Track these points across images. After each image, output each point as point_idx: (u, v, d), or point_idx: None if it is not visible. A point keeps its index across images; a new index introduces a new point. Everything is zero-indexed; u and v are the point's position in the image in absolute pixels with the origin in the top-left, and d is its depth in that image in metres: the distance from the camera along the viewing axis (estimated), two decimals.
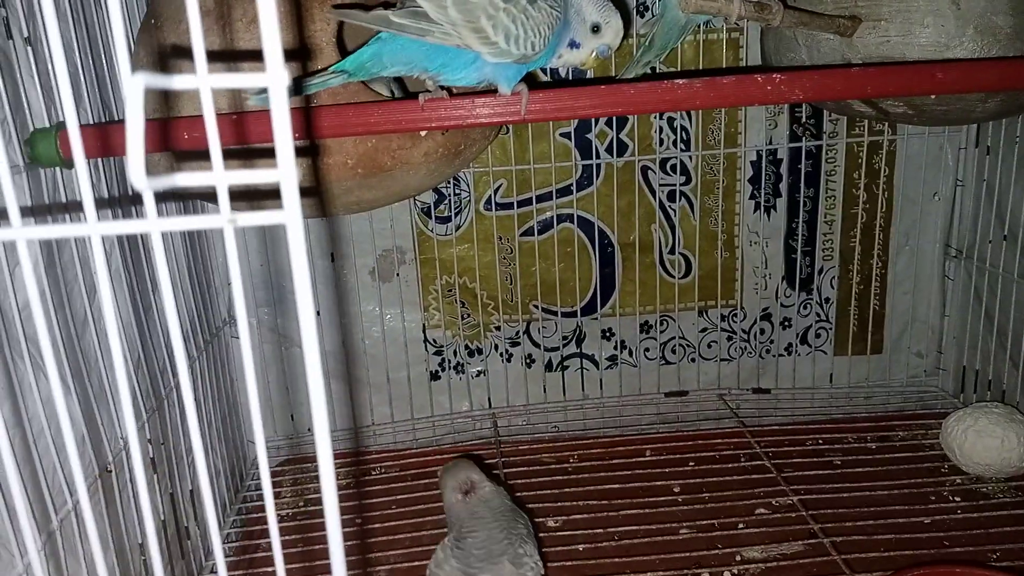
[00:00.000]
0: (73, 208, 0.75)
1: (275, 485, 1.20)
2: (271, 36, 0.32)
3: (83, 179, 0.35)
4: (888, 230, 1.30)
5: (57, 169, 0.74)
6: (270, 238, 1.21)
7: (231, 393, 1.20)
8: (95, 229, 0.35)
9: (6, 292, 0.65)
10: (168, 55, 0.77)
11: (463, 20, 0.65)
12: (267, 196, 0.78)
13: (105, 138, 0.69)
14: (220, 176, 0.34)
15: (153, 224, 0.35)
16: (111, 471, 0.78)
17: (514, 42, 0.68)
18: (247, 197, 0.79)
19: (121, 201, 0.86)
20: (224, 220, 0.34)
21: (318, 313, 1.25)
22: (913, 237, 1.30)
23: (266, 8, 0.31)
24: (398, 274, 1.27)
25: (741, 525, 1.05)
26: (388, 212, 1.22)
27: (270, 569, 0.97)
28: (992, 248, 1.21)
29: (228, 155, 0.69)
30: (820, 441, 1.23)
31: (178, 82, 0.33)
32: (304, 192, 0.77)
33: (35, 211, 0.71)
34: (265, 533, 1.06)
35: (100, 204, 0.82)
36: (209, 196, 0.85)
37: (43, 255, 0.70)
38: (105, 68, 0.86)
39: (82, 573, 0.69)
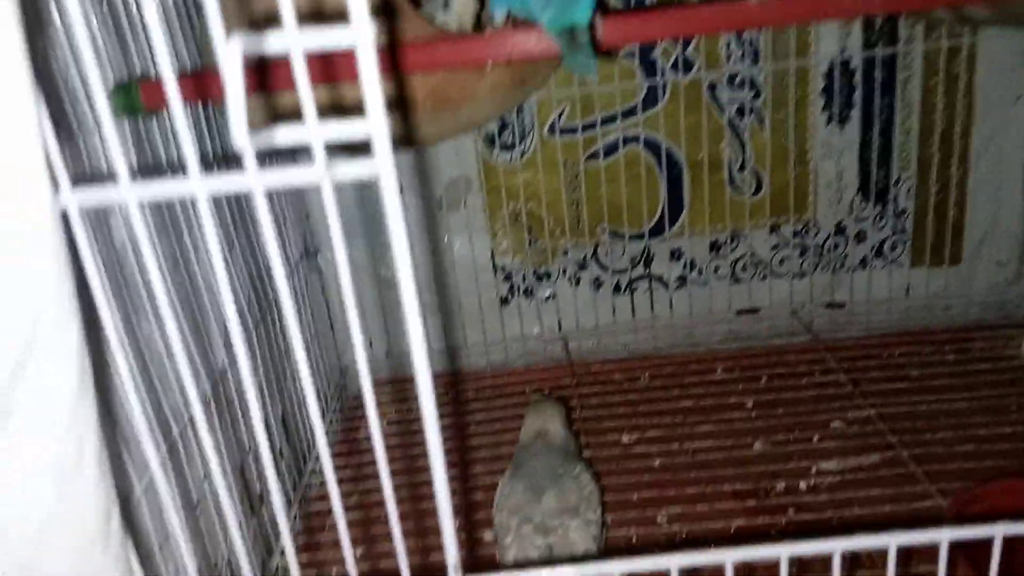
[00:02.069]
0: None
1: (360, 407, 1.26)
2: None
3: (184, 134, 0.36)
4: (968, 136, 1.25)
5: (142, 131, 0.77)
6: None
7: (322, 317, 1.26)
8: (201, 186, 0.37)
9: (126, 250, 0.69)
10: None
11: None
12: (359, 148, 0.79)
13: (193, 87, 0.72)
14: (315, 131, 0.35)
15: (255, 179, 0.37)
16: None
17: None
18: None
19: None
20: (321, 173, 0.36)
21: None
22: (995, 142, 1.25)
23: None
24: (465, 203, 1.29)
25: (816, 438, 1.06)
26: (452, 143, 1.23)
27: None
28: None
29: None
30: (897, 354, 1.22)
31: (271, 44, 0.35)
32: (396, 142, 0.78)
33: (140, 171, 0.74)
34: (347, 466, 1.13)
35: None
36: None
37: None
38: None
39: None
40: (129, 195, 0.38)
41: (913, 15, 1.13)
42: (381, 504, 0.43)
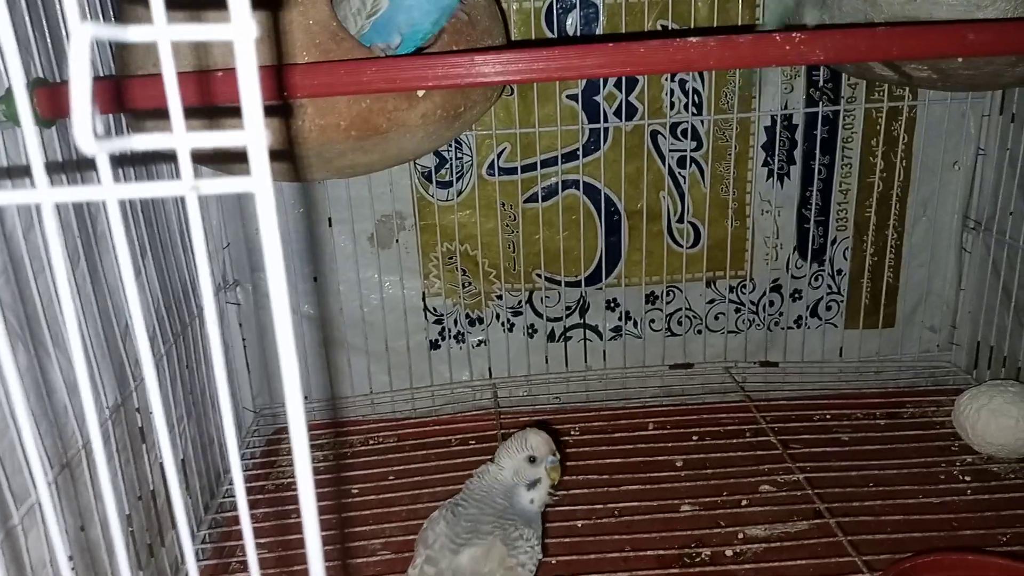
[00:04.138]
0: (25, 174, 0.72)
1: (271, 453, 1.19)
2: None
3: (30, 139, 0.31)
4: (905, 200, 1.25)
5: (17, 135, 0.70)
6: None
7: (230, 358, 1.18)
8: (46, 196, 0.32)
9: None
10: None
11: None
12: (241, 159, 0.74)
13: (63, 98, 0.65)
14: (181, 138, 0.30)
15: (108, 191, 0.31)
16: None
17: None
18: (219, 159, 0.75)
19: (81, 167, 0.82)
20: (186, 187, 0.31)
21: (315, 279, 1.22)
22: (931, 207, 1.26)
23: None
24: (397, 240, 1.24)
25: (745, 502, 1.02)
26: (387, 176, 1.18)
27: (257, 540, 0.95)
28: (1013, 220, 1.16)
29: (194, 114, 0.66)
30: (828, 416, 1.20)
31: (133, 33, 0.29)
32: (279, 156, 0.73)
33: None
34: (258, 504, 1.05)
35: (61, 169, 0.78)
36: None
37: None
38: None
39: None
40: None
41: (855, 75, 1.14)
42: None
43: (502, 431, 1.17)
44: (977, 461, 1.07)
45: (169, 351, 0.95)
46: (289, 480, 1.10)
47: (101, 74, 0.83)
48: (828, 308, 1.30)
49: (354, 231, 1.22)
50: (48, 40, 0.74)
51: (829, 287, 1.29)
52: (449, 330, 1.29)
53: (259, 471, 1.13)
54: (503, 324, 1.30)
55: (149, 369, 0.34)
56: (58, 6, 0.76)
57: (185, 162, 0.31)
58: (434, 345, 1.30)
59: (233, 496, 1.07)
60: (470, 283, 1.27)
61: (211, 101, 0.60)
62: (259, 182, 0.31)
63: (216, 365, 0.34)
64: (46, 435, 0.68)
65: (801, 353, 1.32)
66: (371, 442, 1.20)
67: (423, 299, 1.27)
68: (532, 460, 0.77)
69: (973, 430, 1.05)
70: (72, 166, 0.77)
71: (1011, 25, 0.69)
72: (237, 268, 1.21)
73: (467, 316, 1.29)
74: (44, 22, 0.73)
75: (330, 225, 1.20)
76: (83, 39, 0.28)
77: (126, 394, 0.84)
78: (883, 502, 0.97)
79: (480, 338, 1.30)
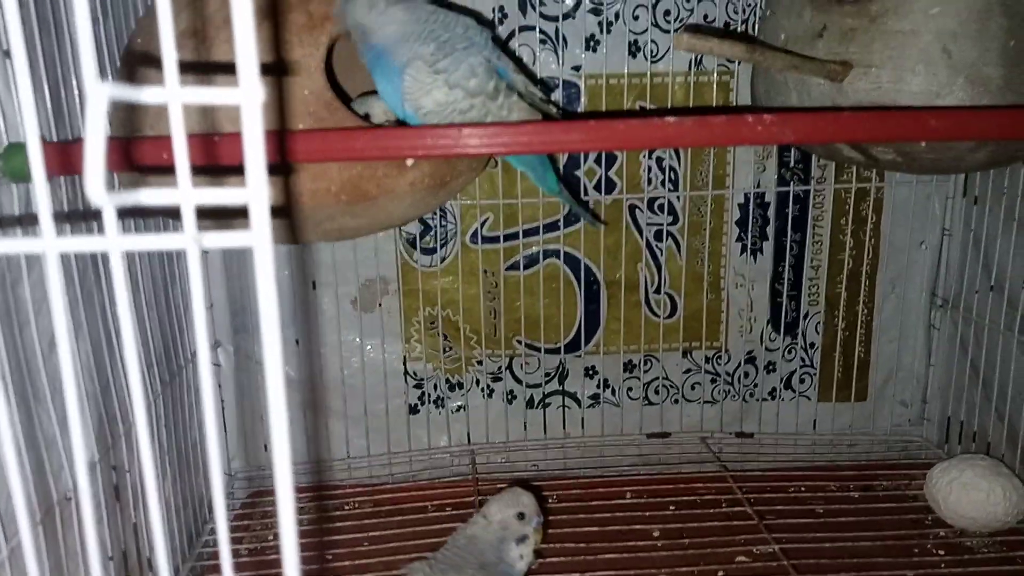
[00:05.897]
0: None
1: (245, 517, 1.17)
2: (246, 52, 0.30)
3: (40, 191, 0.33)
4: (874, 277, 1.29)
5: (28, 191, 0.72)
6: (249, 262, 1.18)
7: (203, 423, 1.17)
8: (51, 245, 0.33)
9: None
10: (149, 76, 0.75)
11: None
12: (239, 215, 0.76)
13: (70, 155, 0.68)
14: (186, 194, 0.32)
15: (113, 242, 0.33)
16: (70, 499, 0.75)
17: None
18: (217, 215, 0.77)
19: (88, 218, 0.84)
20: (189, 240, 0.33)
21: (297, 342, 1.23)
22: (899, 285, 1.30)
23: (242, 22, 0.29)
24: (380, 304, 1.25)
25: (721, 573, 1.02)
26: (372, 241, 1.21)
27: None
28: (978, 298, 1.20)
29: (196, 172, 0.68)
30: (803, 488, 1.21)
31: (147, 95, 0.32)
32: (277, 213, 0.75)
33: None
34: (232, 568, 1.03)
35: (67, 221, 0.80)
36: (177, 214, 0.83)
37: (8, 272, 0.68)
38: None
39: None
40: None
41: (825, 156, 1.19)
42: None
43: (479, 498, 1.16)
44: (950, 535, 1.08)
45: (147, 409, 0.95)
46: (263, 545, 1.09)
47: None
48: (802, 381, 1.33)
49: (337, 294, 1.23)
50: (47, 99, 0.76)
51: (802, 360, 1.32)
52: (429, 395, 1.30)
53: (233, 534, 1.11)
54: (483, 390, 1.30)
55: (143, 428, 0.35)
56: (58, 67, 0.79)
57: (189, 217, 0.32)
58: (413, 410, 1.30)
59: (204, 560, 1.05)
60: (451, 348, 1.28)
61: (213, 163, 0.62)
62: (259, 237, 0.33)
63: (208, 425, 0.35)
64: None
65: (776, 424, 1.33)
66: (347, 507, 1.19)
67: (404, 363, 1.28)
68: (521, 517, 0.80)
69: (945, 503, 1.06)
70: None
71: (970, 113, 0.73)
72: (218, 329, 1.21)
73: (447, 381, 1.30)
74: (44, 80, 0.75)
75: (314, 288, 1.22)
76: (100, 98, 0.30)
77: (103, 452, 0.83)
78: (858, 574, 0.97)
79: (459, 403, 1.31)
